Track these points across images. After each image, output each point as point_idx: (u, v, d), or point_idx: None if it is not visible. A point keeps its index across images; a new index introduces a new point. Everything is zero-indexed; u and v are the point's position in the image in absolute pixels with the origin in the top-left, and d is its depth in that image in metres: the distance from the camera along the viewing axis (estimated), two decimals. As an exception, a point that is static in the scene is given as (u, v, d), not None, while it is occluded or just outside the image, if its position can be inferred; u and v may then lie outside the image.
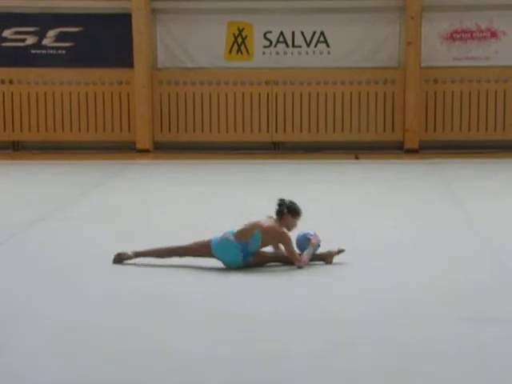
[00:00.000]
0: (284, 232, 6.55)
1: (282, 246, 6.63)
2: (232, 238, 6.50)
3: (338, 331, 5.20)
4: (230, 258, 6.51)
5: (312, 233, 6.75)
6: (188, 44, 14.94)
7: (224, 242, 6.49)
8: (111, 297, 5.97)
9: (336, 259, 6.84)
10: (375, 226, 8.52)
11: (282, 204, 6.64)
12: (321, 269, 6.72)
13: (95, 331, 5.21)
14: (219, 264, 6.68)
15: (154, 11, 14.92)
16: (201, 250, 6.52)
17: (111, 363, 4.66)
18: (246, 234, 6.49)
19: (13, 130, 15.08)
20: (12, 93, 14.97)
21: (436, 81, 14.82)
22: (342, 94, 14.90)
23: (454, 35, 14.84)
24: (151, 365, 4.63)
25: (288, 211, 6.59)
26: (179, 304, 5.79)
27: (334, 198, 10.17)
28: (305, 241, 6.71)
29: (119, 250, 6.83)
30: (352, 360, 4.71)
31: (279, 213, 6.62)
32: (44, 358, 4.75)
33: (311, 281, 6.40)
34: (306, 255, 6.58)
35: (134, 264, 6.77)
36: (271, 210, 9.33)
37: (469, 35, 14.85)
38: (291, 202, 6.68)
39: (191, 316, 5.52)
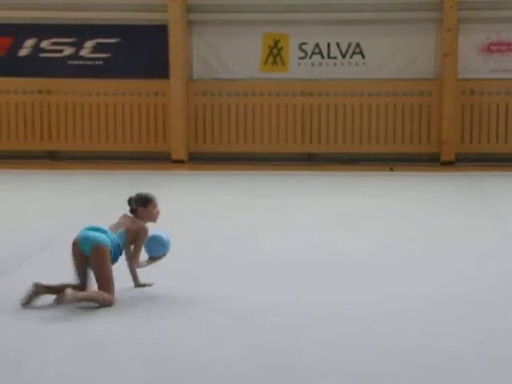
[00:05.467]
0: (143, 229, 6.15)
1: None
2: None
3: (373, 341, 5.17)
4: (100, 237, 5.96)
5: (165, 244, 6.27)
6: (224, 55, 15.00)
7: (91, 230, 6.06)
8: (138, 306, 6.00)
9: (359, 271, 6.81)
10: (408, 239, 8.45)
11: (129, 202, 6.25)
12: (352, 277, 6.69)
13: (121, 343, 5.25)
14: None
15: (190, 23, 15.01)
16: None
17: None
18: (114, 231, 6.10)
19: (49, 140, 15.23)
20: (49, 103, 15.13)
21: (473, 93, 14.71)
22: (378, 105, 14.85)
23: (491, 47, 14.73)
24: (185, 374, 4.64)
25: (136, 205, 6.21)
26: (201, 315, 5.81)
27: (368, 211, 10.10)
28: (156, 246, 6.25)
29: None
30: (387, 372, 4.68)
31: (132, 211, 6.23)
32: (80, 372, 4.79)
33: (343, 290, 6.37)
34: (142, 262, 6.22)
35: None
36: (305, 220, 9.41)
37: (506, 47, 14.73)
38: (136, 195, 6.28)
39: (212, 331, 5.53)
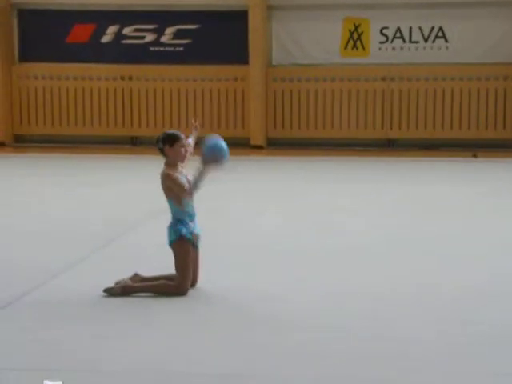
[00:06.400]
0: (167, 175, 5.83)
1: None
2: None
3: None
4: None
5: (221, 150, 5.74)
6: (303, 40, 14.90)
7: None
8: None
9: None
10: (480, 230, 8.25)
11: (156, 141, 5.90)
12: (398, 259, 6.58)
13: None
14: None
15: (270, 8, 14.96)
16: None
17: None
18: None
19: (131, 126, 15.44)
20: (131, 89, 15.33)
21: (560, 77, 14.26)
22: (461, 90, 14.54)
23: None
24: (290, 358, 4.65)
25: (163, 144, 5.85)
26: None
27: (448, 201, 9.88)
28: (211, 152, 5.73)
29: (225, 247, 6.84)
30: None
31: (160, 152, 5.90)
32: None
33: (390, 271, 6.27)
34: (192, 185, 5.76)
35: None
36: (369, 205, 9.29)
37: None
38: (163, 133, 5.97)
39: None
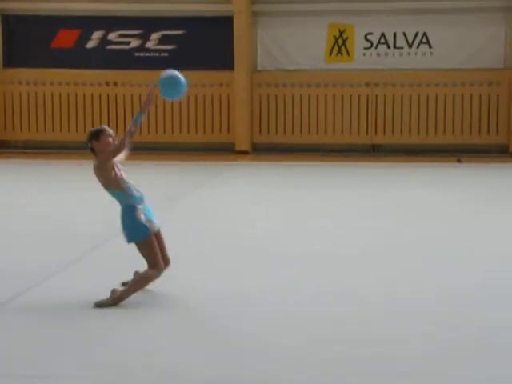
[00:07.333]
0: (97, 166, 5.90)
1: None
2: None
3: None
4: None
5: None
6: (288, 46, 14.95)
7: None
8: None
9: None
10: (469, 235, 8.30)
11: (85, 145, 5.93)
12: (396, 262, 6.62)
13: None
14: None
15: (255, 14, 15.00)
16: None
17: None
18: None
19: (116, 131, 15.33)
20: (116, 95, 15.31)
21: (543, 82, 14.37)
22: (445, 95, 14.62)
23: None
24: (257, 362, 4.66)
25: (90, 141, 5.91)
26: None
27: (431, 205, 9.93)
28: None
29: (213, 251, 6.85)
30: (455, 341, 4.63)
31: (92, 151, 5.96)
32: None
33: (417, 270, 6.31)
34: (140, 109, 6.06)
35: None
36: (367, 211, 9.32)
37: None
38: (87, 132, 6.01)
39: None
